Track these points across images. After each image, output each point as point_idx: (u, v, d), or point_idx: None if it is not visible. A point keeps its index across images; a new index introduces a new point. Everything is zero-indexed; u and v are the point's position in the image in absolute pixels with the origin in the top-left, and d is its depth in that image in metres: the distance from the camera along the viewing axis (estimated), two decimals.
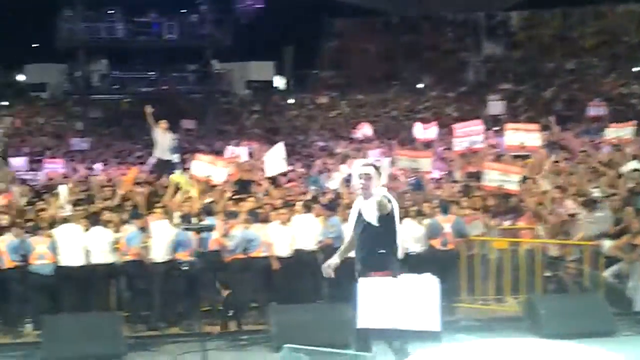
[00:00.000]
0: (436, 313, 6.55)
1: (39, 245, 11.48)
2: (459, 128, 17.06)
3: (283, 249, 12.13)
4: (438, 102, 35.90)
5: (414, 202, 13.43)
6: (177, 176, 14.40)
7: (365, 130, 21.58)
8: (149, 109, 17.54)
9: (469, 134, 16.44)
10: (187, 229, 11.49)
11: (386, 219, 7.10)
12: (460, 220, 12.58)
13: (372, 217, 7.07)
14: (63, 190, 12.95)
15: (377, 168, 7.32)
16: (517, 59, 38.91)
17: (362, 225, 7.21)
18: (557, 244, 12.66)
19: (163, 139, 17.48)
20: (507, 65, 38.63)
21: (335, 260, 7.57)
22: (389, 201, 7.10)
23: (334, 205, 12.79)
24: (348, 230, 7.75)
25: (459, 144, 16.49)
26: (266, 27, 37.42)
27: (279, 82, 43.68)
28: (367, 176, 7.13)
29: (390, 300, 6.55)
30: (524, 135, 16.30)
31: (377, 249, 7.16)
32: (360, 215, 7.26)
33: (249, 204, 12.95)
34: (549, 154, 16.25)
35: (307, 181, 15.92)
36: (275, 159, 15.56)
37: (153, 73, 35.98)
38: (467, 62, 39.89)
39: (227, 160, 14.99)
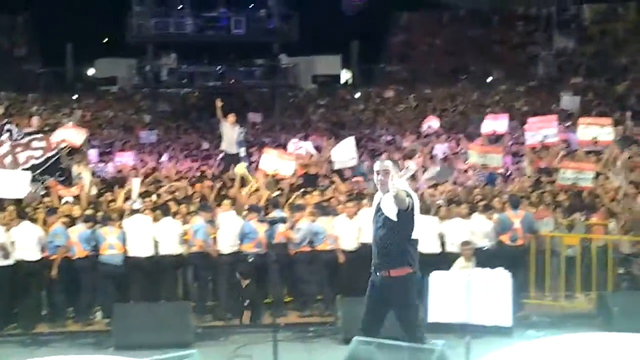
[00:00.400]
0: (508, 308, 6.44)
1: (109, 236, 11.65)
2: (532, 122, 16.75)
3: (349, 243, 12.07)
4: (507, 97, 35.29)
5: (483, 196, 13.24)
6: (240, 168, 14.48)
7: (432, 124, 21.31)
8: (219, 103, 17.68)
9: (542, 128, 16.09)
10: (261, 221, 11.53)
11: (405, 214, 7.00)
12: (530, 216, 12.35)
13: (391, 212, 7.01)
14: (136, 183, 13.09)
15: (396, 164, 7.26)
16: (589, 53, 38.06)
17: (381, 220, 7.15)
18: (630, 241, 12.35)
19: (230, 133, 17.61)
20: (579, 59, 37.79)
21: None
22: (408, 195, 6.99)
23: None
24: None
25: (532, 137, 16.16)
26: (332, 22, 37.33)
27: (345, 76, 43.56)
28: (385, 172, 7.09)
29: (461, 295, 6.45)
30: (596, 130, 15.92)
31: (395, 243, 7.10)
32: (379, 210, 7.22)
33: (315, 197, 12.95)
34: (622, 149, 15.86)
35: (356, 171, 15.80)
36: (344, 152, 15.55)
37: (221, 67, 36.20)
38: (537, 56, 39.15)
39: (294, 154, 15.00)
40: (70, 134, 14.85)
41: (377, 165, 7.34)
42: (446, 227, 12.13)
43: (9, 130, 14.27)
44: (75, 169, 14.58)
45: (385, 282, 7.14)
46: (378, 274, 7.24)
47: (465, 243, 11.54)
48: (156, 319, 10.19)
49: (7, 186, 12.94)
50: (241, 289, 11.62)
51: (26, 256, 11.40)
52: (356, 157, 15.88)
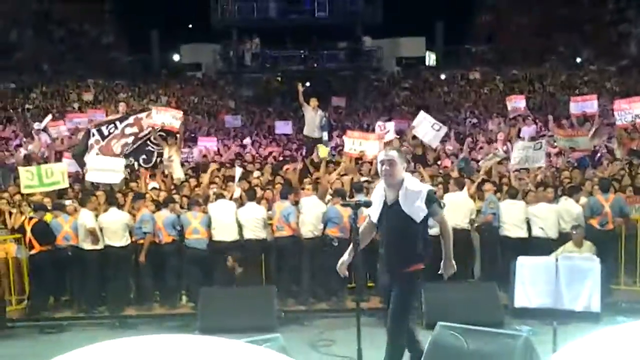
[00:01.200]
0: (597, 294, 6.26)
1: (194, 221, 11.78)
2: (622, 102, 16.21)
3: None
4: (597, 77, 34.43)
5: (572, 180, 12.90)
6: (323, 152, 14.47)
7: (518, 104, 20.81)
8: (300, 87, 17.70)
9: (632, 109, 15.54)
10: (345, 205, 11.47)
11: (425, 217, 6.48)
12: (621, 200, 11.96)
13: (416, 214, 6.43)
14: (238, 171, 13.20)
15: (400, 154, 6.71)
16: None
17: (397, 217, 6.53)
18: None
19: (313, 117, 17.61)
20: None
21: (347, 257, 6.98)
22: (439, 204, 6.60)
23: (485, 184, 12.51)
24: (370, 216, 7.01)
25: (622, 117, 15.64)
26: (417, 3, 36.99)
27: (430, 58, 43.16)
28: (390, 162, 6.50)
29: (549, 280, 6.30)
30: None
31: (414, 243, 6.51)
32: (388, 205, 6.65)
33: None
34: None
35: (457, 162, 15.62)
36: (425, 125, 15.57)
37: (304, 51, 36.32)
38: (629, 34, 37.99)
39: (378, 136, 14.89)
40: (169, 118, 15.07)
41: (381, 155, 6.74)
42: (533, 212, 11.84)
43: (98, 131, 14.61)
44: (167, 152, 14.82)
45: (398, 277, 6.61)
46: (390, 273, 6.74)
47: (575, 227, 11.18)
48: (241, 303, 10.27)
49: (102, 172, 13.37)
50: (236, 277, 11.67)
51: (114, 241, 11.65)
52: (440, 125, 15.81)
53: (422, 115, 16.08)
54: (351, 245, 6.82)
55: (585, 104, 17.42)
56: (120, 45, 42.06)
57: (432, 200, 6.40)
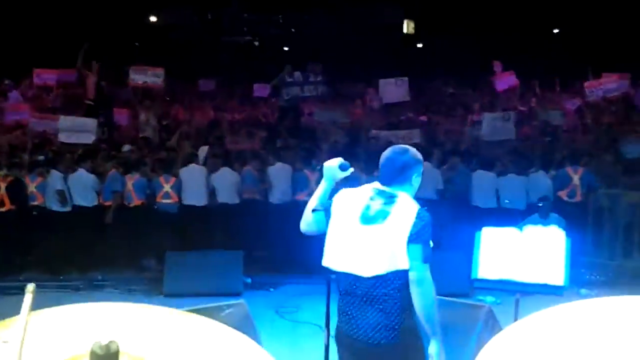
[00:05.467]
0: (561, 267, 6.28)
1: (166, 185, 11.74)
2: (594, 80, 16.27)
3: None
4: None
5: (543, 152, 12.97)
6: None
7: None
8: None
9: (604, 84, 15.61)
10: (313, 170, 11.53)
11: None
12: (590, 173, 12.02)
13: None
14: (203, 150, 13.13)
15: None
16: None
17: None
18: None
19: None
20: None
21: None
22: None
23: None
24: None
25: (594, 93, 15.70)
26: None
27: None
28: None
29: (512, 252, 6.31)
30: None
31: None
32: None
33: None
34: None
35: None
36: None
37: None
38: None
39: None
40: (150, 77, 14.91)
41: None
42: (503, 183, 11.88)
43: None
44: (143, 116, 14.69)
45: None
46: None
47: (542, 199, 11.18)
48: (207, 267, 10.23)
49: (75, 133, 13.24)
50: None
51: (83, 202, 11.56)
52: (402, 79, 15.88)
53: (383, 81, 16.04)
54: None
55: None
56: None
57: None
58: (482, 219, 11.20)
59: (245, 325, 6.12)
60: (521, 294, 6.24)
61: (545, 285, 6.32)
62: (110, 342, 1.80)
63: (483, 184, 11.90)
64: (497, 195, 11.92)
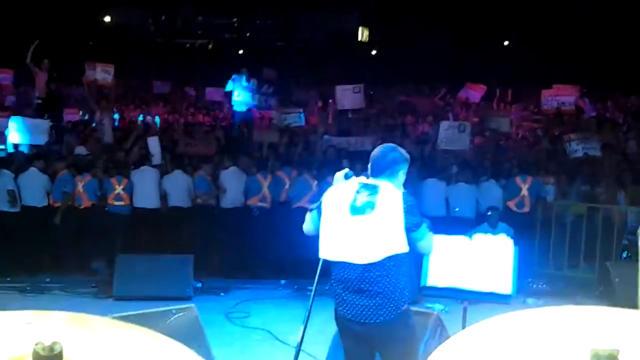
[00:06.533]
0: (509, 276, 6.37)
1: (118, 187, 11.65)
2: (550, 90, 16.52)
3: None
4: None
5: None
6: None
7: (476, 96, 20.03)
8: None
9: (559, 96, 15.88)
10: (265, 177, 11.49)
11: None
12: (539, 183, 12.20)
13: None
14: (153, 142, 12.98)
15: None
16: None
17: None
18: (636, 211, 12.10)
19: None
20: None
21: None
22: None
23: None
24: None
25: (548, 103, 15.97)
26: None
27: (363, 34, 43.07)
28: None
29: (461, 260, 6.38)
30: None
31: None
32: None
33: None
34: None
35: None
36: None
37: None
38: None
39: None
40: (100, 73, 14.75)
41: None
42: (452, 192, 12.01)
43: None
44: (98, 116, 14.53)
45: None
46: None
47: (491, 208, 11.29)
48: (157, 271, 10.15)
49: (29, 133, 13.06)
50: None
51: (32, 203, 11.42)
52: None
53: (340, 87, 16.18)
54: None
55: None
56: None
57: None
58: (431, 227, 11.31)
59: (194, 330, 6.11)
60: (469, 302, 6.33)
61: (492, 294, 6.39)
62: (54, 342, 1.79)
63: (433, 193, 12.00)
64: (447, 204, 12.03)
